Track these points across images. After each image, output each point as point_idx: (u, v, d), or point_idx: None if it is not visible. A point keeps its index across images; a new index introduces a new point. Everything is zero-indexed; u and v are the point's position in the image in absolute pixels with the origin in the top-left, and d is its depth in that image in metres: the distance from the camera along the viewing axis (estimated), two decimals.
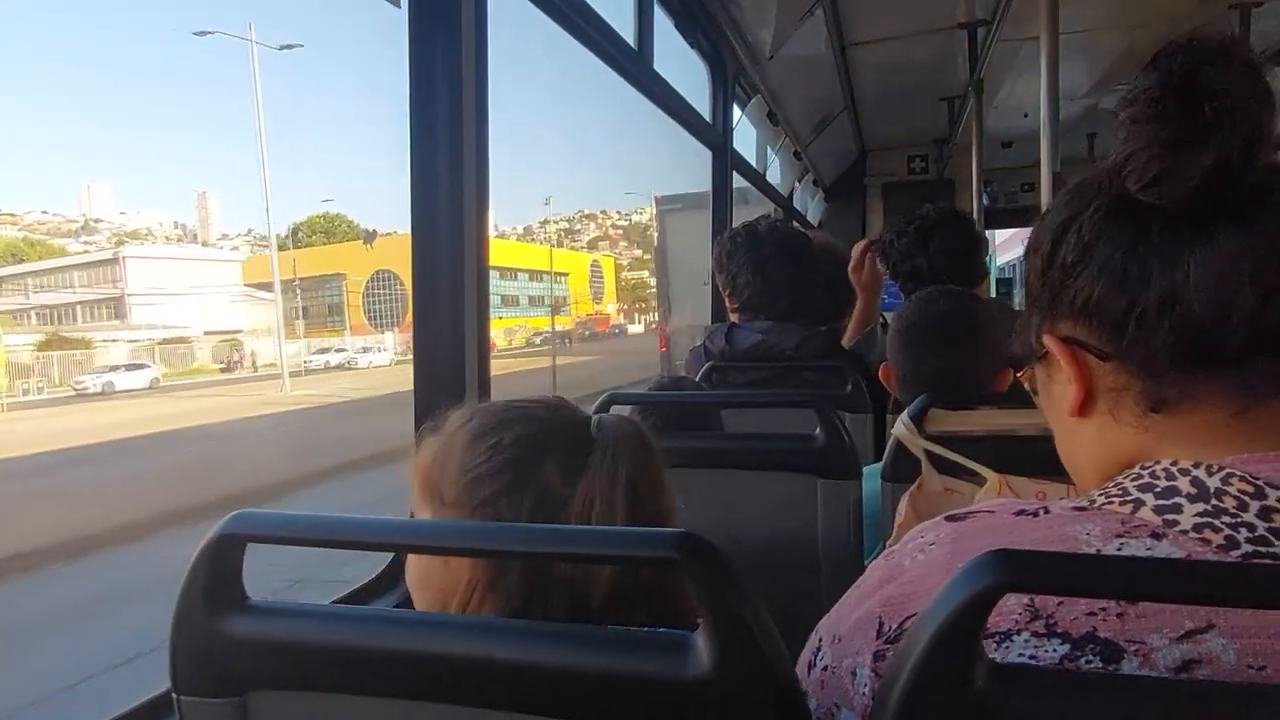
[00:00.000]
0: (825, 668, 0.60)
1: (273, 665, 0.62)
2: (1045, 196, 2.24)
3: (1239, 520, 0.48)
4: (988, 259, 2.02)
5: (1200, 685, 0.45)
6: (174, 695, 0.64)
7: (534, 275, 68.65)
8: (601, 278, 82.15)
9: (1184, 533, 0.49)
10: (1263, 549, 0.47)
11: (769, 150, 4.34)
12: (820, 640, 0.62)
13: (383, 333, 49.21)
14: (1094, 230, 0.54)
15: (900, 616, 0.55)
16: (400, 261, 50.14)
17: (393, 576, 1.07)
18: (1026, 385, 0.67)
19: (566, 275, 71.51)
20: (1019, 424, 1.18)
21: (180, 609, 0.62)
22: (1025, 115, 4.87)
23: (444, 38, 1.17)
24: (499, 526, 0.64)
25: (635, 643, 0.54)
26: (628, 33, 2.17)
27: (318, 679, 0.61)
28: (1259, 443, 0.51)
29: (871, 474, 1.37)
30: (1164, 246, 0.51)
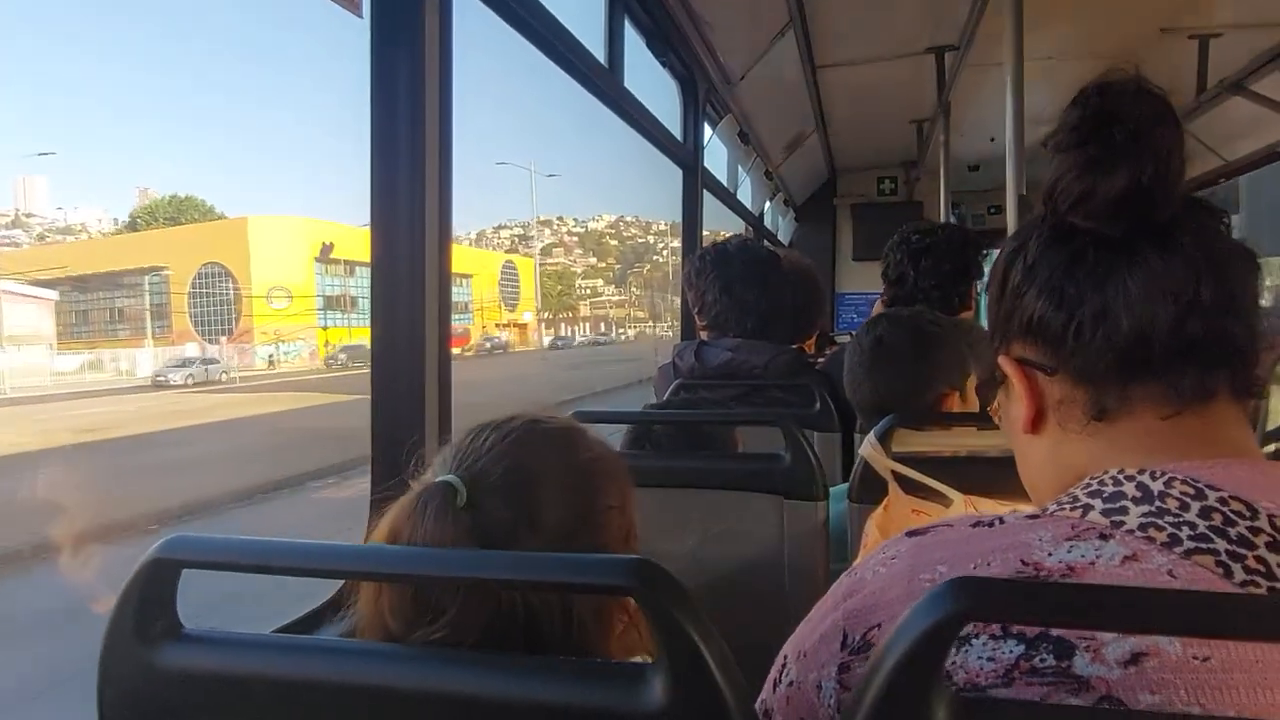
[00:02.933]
0: (791, 683, 0.61)
1: (209, 699, 0.59)
2: (1011, 219, 2.27)
3: (1181, 519, 0.52)
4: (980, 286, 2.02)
5: (1159, 717, 0.46)
6: None
7: None
8: (517, 281, 72.54)
9: (1130, 532, 0.52)
10: (1204, 545, 0.50)
11: (740, 169, 4.36)
12: (786, 658, 0.63)
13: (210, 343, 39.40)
14: (1037, 254, 0.60)
15: (863, 628, 0.57)
16: (231, 253, 43.44)
17: (340, 603, 1.03)
18: (995, 419, 0.71)
19: (470, 277, 62.78)
20: (988, 445, 1.18)
21: (109, 639, 0.59)
22: (991, 139, 4.95)
23: (407, 48, 1.15)
24: (444, 552, 0.61)
25: (588, 674, 0.52)
26: (598, 49, 2.17)
27: (257, 713, 0.58)
28: (1194, 448, 0.56)
29: (839, 495, 1.36)
30: (1097, 267, 0.57)
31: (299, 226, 46.86)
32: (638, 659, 0.69)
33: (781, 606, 1.28)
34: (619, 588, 0.48)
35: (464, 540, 0.64)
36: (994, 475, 1.09)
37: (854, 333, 2.37)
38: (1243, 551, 0.49)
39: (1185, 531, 0.51)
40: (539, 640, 0.64)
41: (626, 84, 2.29)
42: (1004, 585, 0.47)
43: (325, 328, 44.80)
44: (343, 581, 1.02)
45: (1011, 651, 0.50)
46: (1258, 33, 3.27)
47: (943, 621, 0.42)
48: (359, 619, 0.69)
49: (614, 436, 1.48)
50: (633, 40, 2.45)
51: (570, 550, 0.67)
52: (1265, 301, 0.59)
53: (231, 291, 43.55)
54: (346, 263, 47.03)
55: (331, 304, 46.94)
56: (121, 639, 0.59)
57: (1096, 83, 0.59)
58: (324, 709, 0.56)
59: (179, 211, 64.93)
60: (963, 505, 1.13)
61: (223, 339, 41.26)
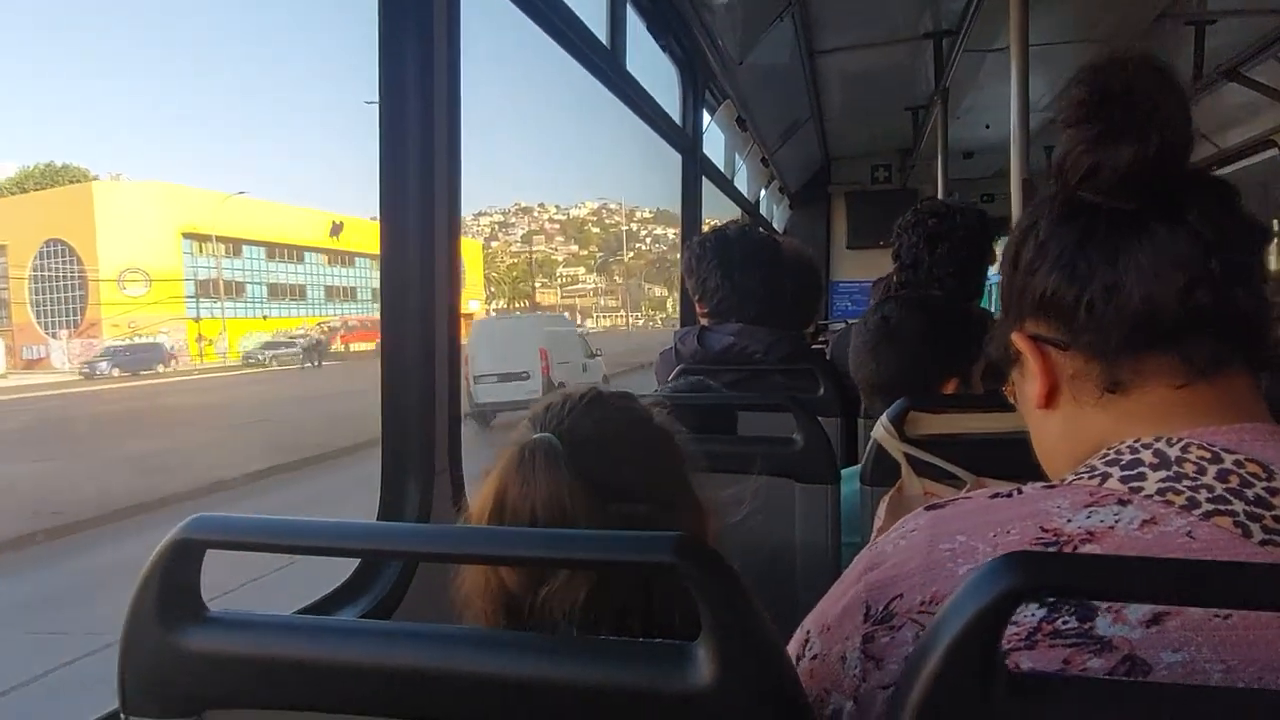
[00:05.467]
0: (814, 656, 0.61)
1: (233, 681, 0.58)
2: (1015, 204, 2.25)
3: (1199, 483, 0.52)
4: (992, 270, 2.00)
5: (1218, 691, 0.45)
6: (122, 717, 0.59)
7: (338, 258, 49.90)
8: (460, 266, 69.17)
9: (1148, 497, 0.53)
10: (1222, 507, 0.51)
11: (736, 157, 4.35)
12: (808, 632, 0.64)
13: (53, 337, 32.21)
14: (1049, 230, 0.61)
15: (885, 599, 0.57)
16: (74, 227, 35.03)
17: (361, 583, 1.02)
18: (1010, 398, 0.71)
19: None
20: (999, 427, 1.17)
21: (131, 622, 0.58)
22: (987, 126, 4.95)
23: (416, 27, 1.12)
24: (476, 530, 0.60)
25: (631, 654, 0.51)
26: (600, 31, 2.14)
27: (282, 695, 0.57)
28: (1209, 417, 0.56)
29: (849, 477, 1.35)
30: (1107, 241, 0.57)
31: (161, 194, 39.15)
32: None
33: (793, 589, 1.28)
34: (663, 564, 0.47)
35: (576, 488, 0.66)
36: (1006, 456, 1.08)
37: (848, 320, 2.36)
38: (1260, 511, 0.50)
39: (1203, 494, 0.51)
40: (651, 604, 0.64)
41: (627, 68, 2.27)
42: (1058, 560, 0.46)
43: (198, 319, 38.54)
44: (359, 560, 1.01)
45: (1034, 615, 0.50)
46: (1254, 19, 3.27)
47: (998, 599, 0.41)
48: (464, 583, 0.69)
49: None
50: (633, 24, 2.43)
51: (660, 505, 0.70)
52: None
53: (77, 274, 35.46)
54: (222, 239, 40.72)
55: (206, 290, 40.08)
56: (144, 621, 0.57)
57: (1104, 59, 0.59)
58: (351, 690, 0.55)
59: (52, 182, 52.68)
60: (975, 487, 1.13)
61: (64, 332, 34.41)
